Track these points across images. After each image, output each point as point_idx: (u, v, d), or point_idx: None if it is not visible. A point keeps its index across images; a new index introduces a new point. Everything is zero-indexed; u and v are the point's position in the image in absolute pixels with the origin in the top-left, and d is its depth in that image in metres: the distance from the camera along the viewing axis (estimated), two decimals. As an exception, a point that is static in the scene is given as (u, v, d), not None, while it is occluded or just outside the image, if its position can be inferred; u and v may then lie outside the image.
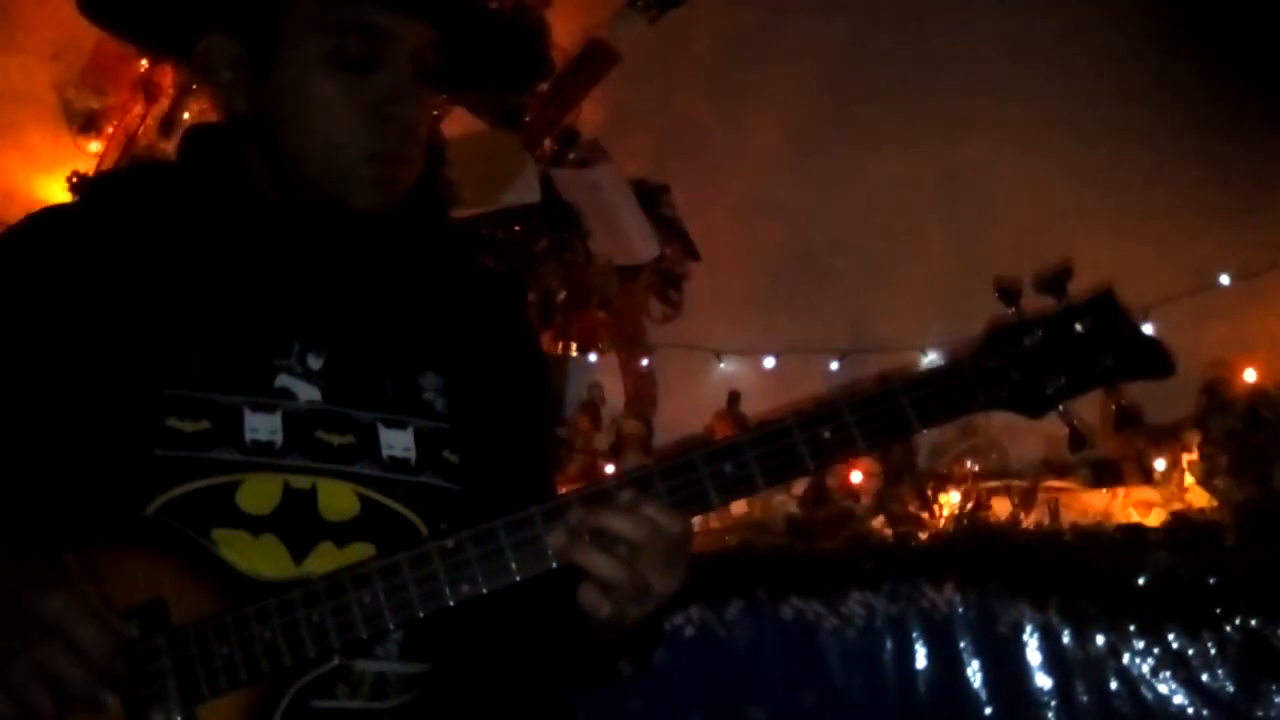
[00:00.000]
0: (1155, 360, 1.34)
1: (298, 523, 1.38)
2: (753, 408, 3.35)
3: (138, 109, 3.47)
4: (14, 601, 1.23)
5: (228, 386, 1.39)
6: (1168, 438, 2.93)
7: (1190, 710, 2.50)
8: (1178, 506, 2.76)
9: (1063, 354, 1.32)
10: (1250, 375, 2.99)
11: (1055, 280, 1.32)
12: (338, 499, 1.40)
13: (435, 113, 2.90)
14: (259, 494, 1.37)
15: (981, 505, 2.82)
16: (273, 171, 1.46)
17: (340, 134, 1.41)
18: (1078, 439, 1.33)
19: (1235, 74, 3.33)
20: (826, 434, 1.30)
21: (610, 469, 3.29)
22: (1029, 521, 2.80)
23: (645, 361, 3.66)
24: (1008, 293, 1.32)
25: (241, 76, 1.45)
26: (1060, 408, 1.33)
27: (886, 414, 1.30)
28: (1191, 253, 3.34)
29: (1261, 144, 3.33)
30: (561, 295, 3.38)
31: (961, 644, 2.63)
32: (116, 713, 1.27)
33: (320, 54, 1.41)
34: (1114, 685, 2.55)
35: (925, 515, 2.81)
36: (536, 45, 1.61)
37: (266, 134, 1.45)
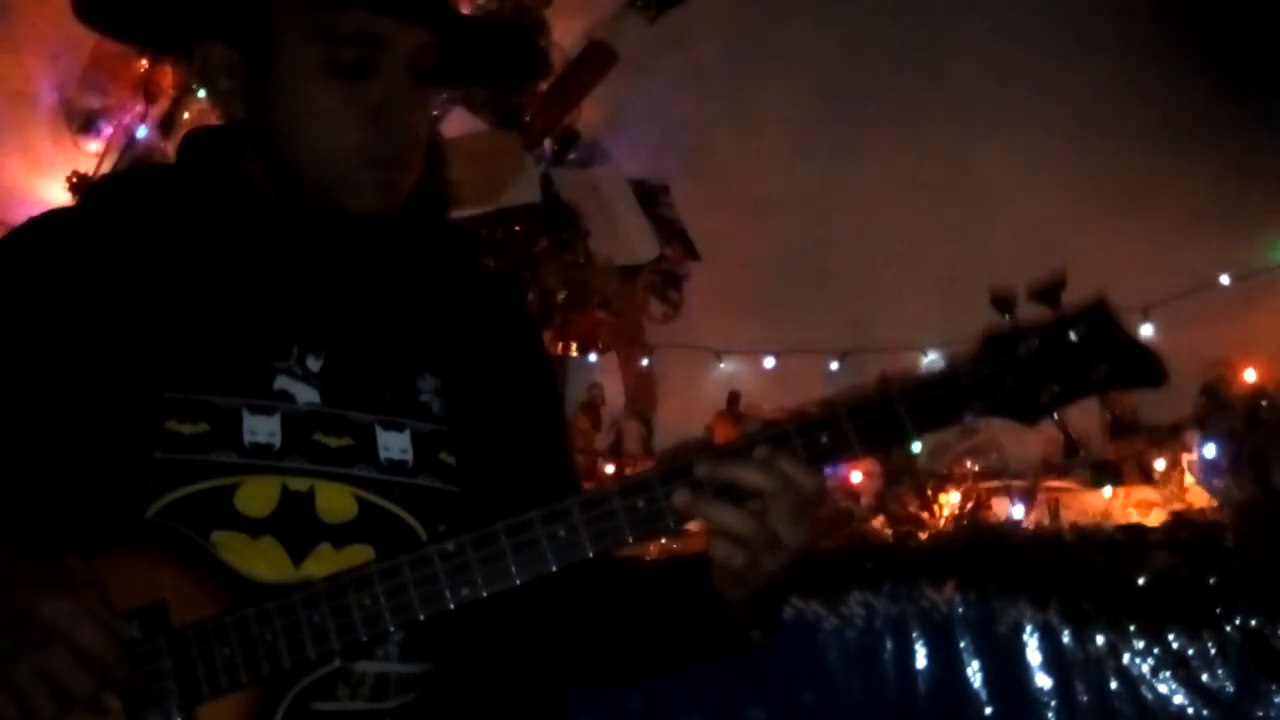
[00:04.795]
0: (1148, 369, 1.34)
1: (296, 525, 1.38)
2: (753, 408, 3.35)
3: (138, 109, 3.48)
4: (16, 604, 1.23)
5: (227, 389, 1.39)
6: (1167, 438, 2.94)
7: (1190, 710, 2.50)
8: (1178, 506, 2.77)
9: (1057, 362, 1.32)
10: (1250, 375, 3.00)
11: (1049, 291, 1.32)
12: (336, 501, 1.40)
13: (435, 113, 2.90)
14: (257, 496, 1.37)
15: (981, 505, 2.82)
16: (272, 175, 1.46)
17: (338, 141, 1.41)
18: (1072, 447, 1.34)
19: (1234, 75, 3.33)
20: (824, 439, 1.31)
21: (610, 469, 3.30)
22: (1029, 521, 2.81)
23: (645, 361, 3.66)
24: (1002, 303, 1.33)
25: (239, 84, 1.45)
26: (1055, 415, 1.34)
27: (883, 421, 1.31)
28: (1191, 253, 3.34)
29: (1260, 144, 3.33)
30: (561, 295, 3.38)
31: (961, 644, 2.64)
32: (118, 715, 1.27)
33: (316, 63, 1.40)
34: (1114, 685, 2.55)
35: (925, 515, 2.82)
36: (532, 44, 1.61)
37: (265, 140, 1.45)
